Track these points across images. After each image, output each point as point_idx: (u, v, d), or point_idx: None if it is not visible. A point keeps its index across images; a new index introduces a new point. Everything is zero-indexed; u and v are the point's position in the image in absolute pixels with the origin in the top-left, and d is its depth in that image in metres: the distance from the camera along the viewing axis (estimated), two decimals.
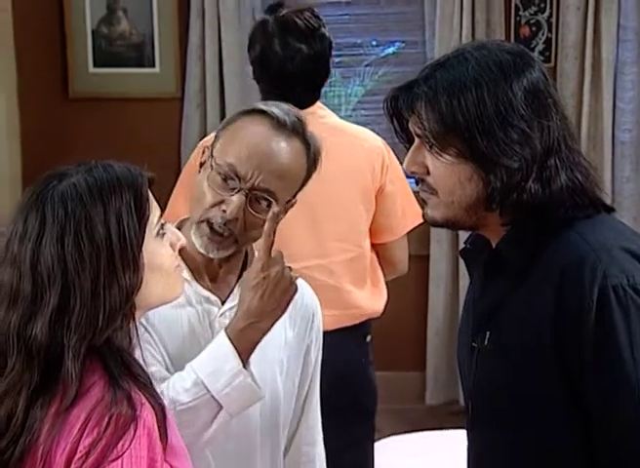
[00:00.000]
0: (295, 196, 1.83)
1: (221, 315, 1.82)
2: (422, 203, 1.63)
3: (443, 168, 1.54)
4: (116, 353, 1.44)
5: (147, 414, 1.41)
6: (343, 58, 4.38)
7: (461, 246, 1.77)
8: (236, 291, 1.83)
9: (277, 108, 1.79)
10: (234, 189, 1.75)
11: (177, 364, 1.77)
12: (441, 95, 1.52)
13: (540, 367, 1.52)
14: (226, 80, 4.28)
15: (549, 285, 1.51)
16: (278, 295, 1.74)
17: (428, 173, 1.57)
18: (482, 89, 1.50)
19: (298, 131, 1.79)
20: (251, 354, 1.73)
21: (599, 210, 1.58)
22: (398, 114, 1.60)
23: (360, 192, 2.66)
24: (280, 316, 1.76)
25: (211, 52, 4.27)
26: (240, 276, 1.83)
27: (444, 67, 1.55)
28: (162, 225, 1.52)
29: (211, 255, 1.79)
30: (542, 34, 4.38)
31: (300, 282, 1.82)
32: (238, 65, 4.26)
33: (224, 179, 1.75)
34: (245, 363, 1.72)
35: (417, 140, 1.58)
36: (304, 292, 1.92)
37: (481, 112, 1.49)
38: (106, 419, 1.37)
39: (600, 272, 1.47)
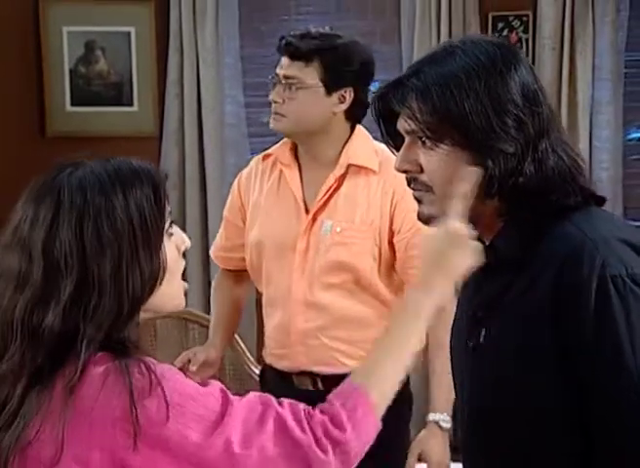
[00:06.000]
0: None
1: None
2: (417, 202, 1.61)
3: (438, 161, 1.54)
4: (127, 348, 1.37)
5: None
6: None
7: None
8: None
9: None
10: None
11: None
12: (432, 86, 1.52)
13: (538, 359, 1.49)
14: (204, 119, 4.28)
15: (547, 276, 1.48)
16: None
17: (422, 170, 1.56)
18: (472, 77, 1.51)
19: None
20: None
21: (589, 202, 1.57)
22: (387, 113, 1.59)
23: None
24: None
25: (189, 90, 4.26)
26: None
27: (432, 61, 1.56)
28: (170, 223, 1.46)
29: None
30: None
31: None
32: (216, 104, 4.26)
33: None
34: None
35: (407, 139, 1.57)
36: None
37: (474, 100, 1.49)
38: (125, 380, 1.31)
39: (599, 262, 1.45)
